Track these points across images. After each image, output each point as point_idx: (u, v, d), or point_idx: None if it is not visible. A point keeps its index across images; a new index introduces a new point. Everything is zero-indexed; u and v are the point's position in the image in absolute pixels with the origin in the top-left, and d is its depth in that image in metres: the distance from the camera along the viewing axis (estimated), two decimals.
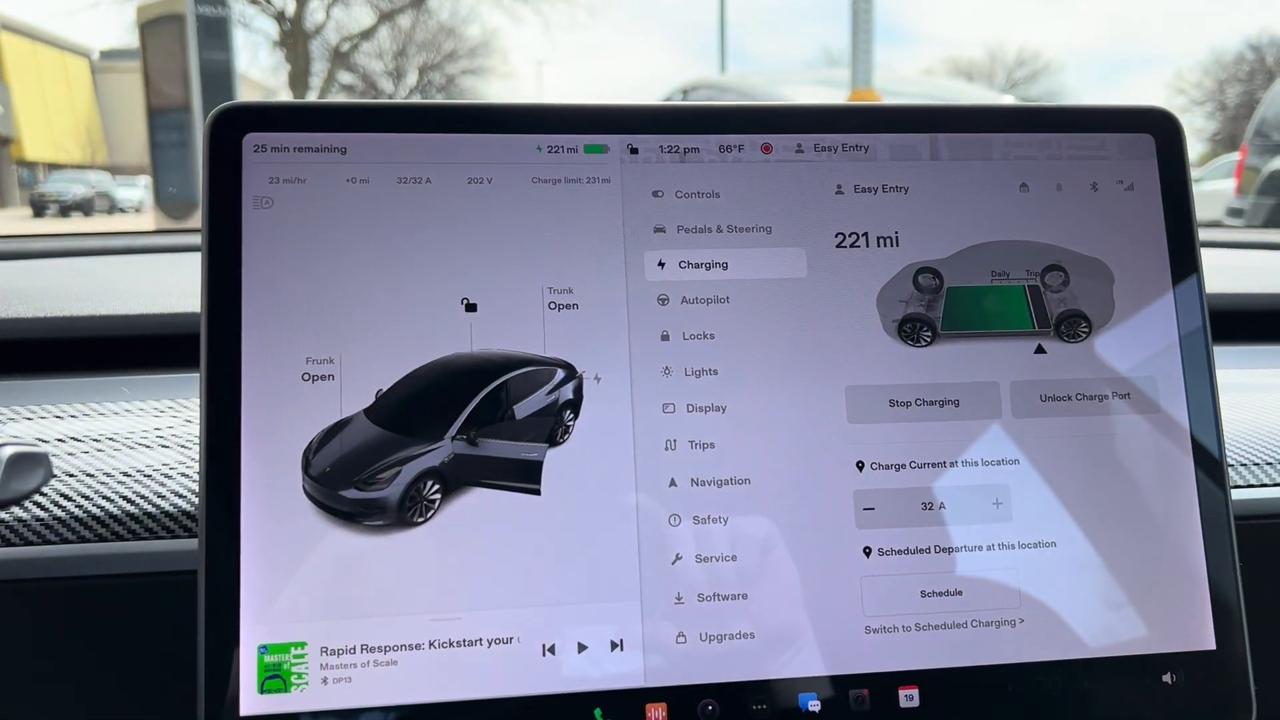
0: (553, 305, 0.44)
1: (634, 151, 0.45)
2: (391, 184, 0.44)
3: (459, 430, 0.43)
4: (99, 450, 0.55)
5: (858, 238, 0.46)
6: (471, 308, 0.43)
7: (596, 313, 0.44)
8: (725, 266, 0.45)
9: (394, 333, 0.43)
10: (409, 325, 0.43)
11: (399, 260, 0.43)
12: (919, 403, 0.45)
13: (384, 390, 0.43)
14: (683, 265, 0.45)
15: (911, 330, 0.46)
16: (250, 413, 0.42)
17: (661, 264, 0.45)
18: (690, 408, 0.44)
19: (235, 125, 0.43)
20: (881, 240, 0.46)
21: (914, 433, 0.45)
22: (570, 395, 0.44)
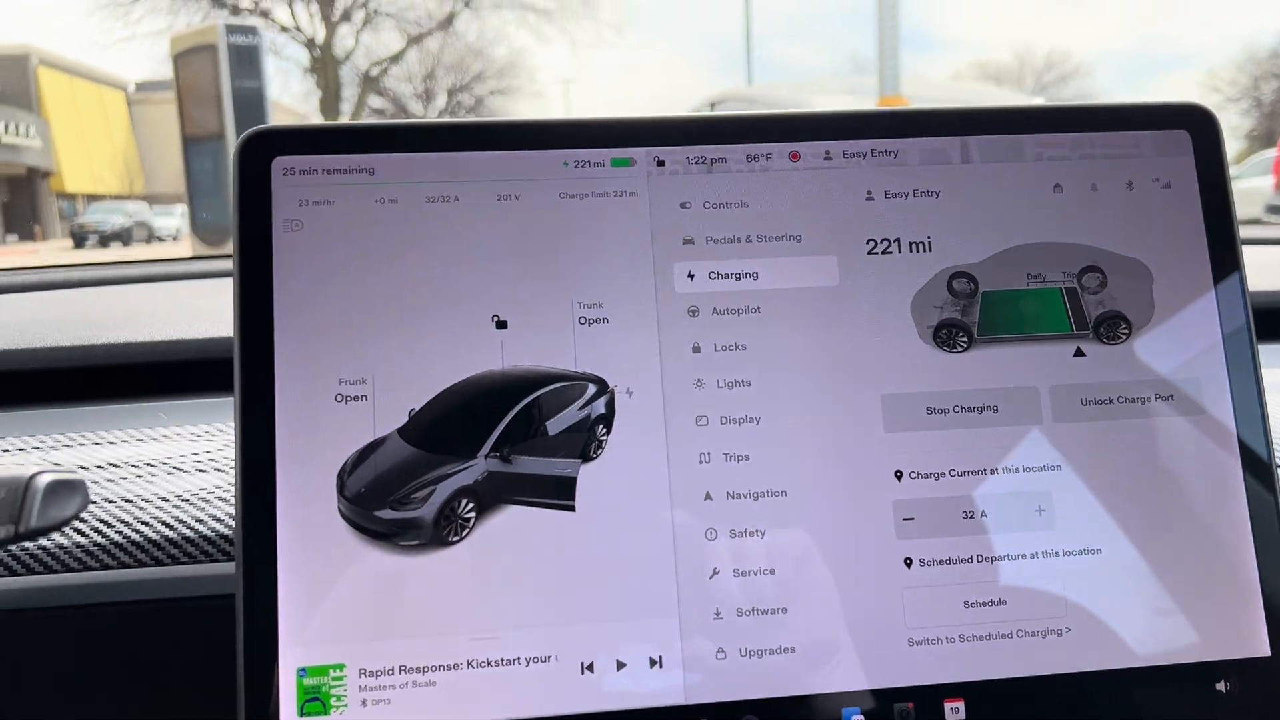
0: (583, 320, 0.44)
1: (660, 164, 0.45)
2: (420, 203, 0.44)
3: (492, 448, 0.43)
4: (138, 476, 0.55)
5: (889, 244, 0.46)
6: (502, 324, 0.43)
7: (627, 326, 0.44)
8: (755, 276, 0.45)
9: (425, 351, 0.43)
10: (440, 344, 0.43)
11: (429, 279, 0.43)
12: (957, 409, 0.45)
13: (417, 409, 0.43)
14: (712, 276, 0.45)
15: (947, 336, 0.45)
16: (284, 435, 0.42)
17: (691, 275, 0.45)
18: (724, 420, 0.44)
19: (264, 149, 0.44)
20: (914, 246, 0.46)
21: (953, 440, 0.44)
22: (602, 410, 0.43)
